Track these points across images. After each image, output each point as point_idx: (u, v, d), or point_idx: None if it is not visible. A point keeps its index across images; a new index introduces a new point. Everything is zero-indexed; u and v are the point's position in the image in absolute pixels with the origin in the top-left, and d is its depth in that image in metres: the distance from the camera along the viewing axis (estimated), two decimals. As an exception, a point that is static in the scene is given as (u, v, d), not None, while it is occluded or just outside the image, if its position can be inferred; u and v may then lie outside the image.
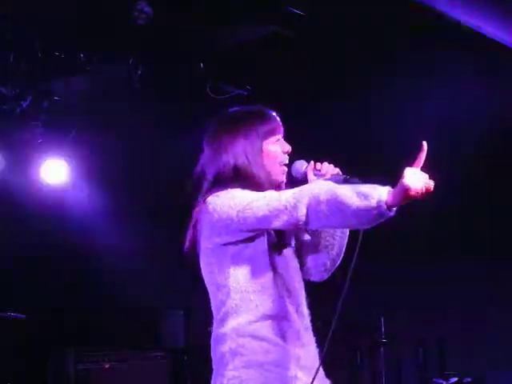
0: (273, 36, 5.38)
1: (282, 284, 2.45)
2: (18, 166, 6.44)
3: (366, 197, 2.13)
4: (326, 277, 2.61)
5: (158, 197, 6.74)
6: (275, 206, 2.26)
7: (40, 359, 6.51)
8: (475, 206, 5.82)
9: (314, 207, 2.19)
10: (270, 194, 2.33)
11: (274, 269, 2.44)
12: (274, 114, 2.62)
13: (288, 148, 2.58)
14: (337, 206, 2.15)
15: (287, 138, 2.65)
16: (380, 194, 2.14)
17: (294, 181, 2.56)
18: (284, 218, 2.25)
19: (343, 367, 6.31)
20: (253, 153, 2.51)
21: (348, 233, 2.57)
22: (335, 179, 2.43)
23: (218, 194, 2.44)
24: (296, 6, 5.00)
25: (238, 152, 2.52)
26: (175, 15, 5.14)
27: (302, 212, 2.21)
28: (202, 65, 5.87)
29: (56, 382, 6.46)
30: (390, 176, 2.17)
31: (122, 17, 4.99)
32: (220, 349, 2.43)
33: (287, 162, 2.58)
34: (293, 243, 2.58)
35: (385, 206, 2.13)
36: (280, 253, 2.48)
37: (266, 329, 2.40)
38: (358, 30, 5.22)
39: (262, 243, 2.44)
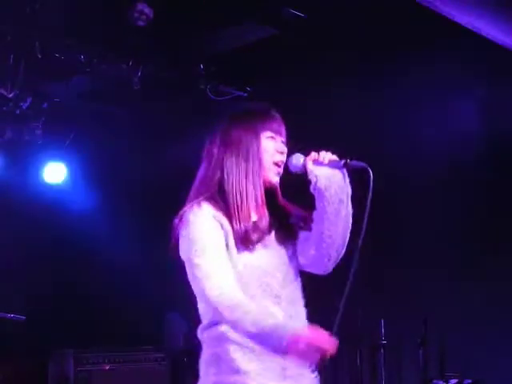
0: (273, 38, 5.39)
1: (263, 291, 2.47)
2: (17, 167, 6.45)
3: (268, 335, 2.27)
4: (330, 268, 2.58)
5: (158, 198, 6.74)
6: (212, 295, 2.38)
7: (40, 361, 6.51)
8: (475, 209, 5.81)
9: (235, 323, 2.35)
10: (218, 281, 2.40)
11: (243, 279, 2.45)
12: (276, 114, 2.63)
13: (282, 149, 2.58)
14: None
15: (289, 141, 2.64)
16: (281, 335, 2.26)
17: (295, 175, 2.57)
18: (210, 307, 2.43)
19: (343, 369, 6.30)
20: (253, 144, 2.54)
21: (351, 222, 2.55)
22: (335, 165, 2.46)
23: (190, 216, 2.46)
24: (296, 7, 5.00)
25: (234, 141, 2.55)
26: (175, 17, 5.14)
27: (225, 316, 2.36)
28: (202, 66, 5.88)
29: (56, 383, 6.46)
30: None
31: (122, 18, 4.99)
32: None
33: (281, 164, 2.57)
34: (278, 247, 2.56)
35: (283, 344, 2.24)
36: (251, 263, 2.47)
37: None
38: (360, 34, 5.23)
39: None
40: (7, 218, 6.31)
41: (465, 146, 5.82)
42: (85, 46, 5.43)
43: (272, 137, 2.57)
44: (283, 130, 2.62)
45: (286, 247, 2.58)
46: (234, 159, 2.54)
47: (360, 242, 2.45)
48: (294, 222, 2.60)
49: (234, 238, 2.46)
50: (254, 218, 2.51)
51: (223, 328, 2.45)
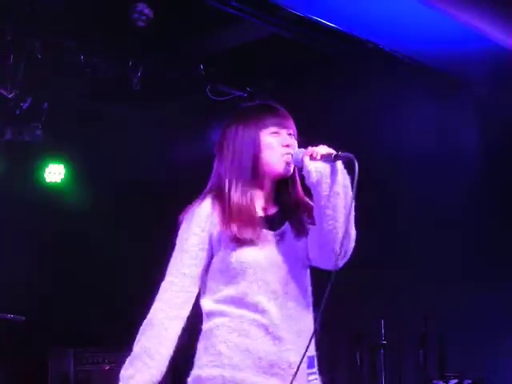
0: (273, 37, 5.39)
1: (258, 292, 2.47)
2: (17, 167, 6.45)
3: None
4: (339, 264, 2.48)
5: (158, 197, 6.74)
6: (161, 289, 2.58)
7: (40, 361, 6.50)
8: (475, 205, 5.82)
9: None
10: (168, 288, 2.57)
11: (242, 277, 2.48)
12: (279, 108, 2.64)
13: (287, 142, 2.57)
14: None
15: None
16: None
17: (299, 169, 2.58)
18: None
19: (343, 369, 6.30)
20: (249, 143, 2.56)
21: (352, 214, 2.48)
22: (327, 159, 2.44)
23: (189, 212, 2.58)
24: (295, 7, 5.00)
25: (236, 142, 2.58)
26: (175, 17, 5.14)
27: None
28: (201, 66, 5.88)
29: (56, 383, 6.46)
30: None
31: (122, 18, 4.99)
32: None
33: (290, 153, 2.56)
34: (285, 242, 2.55)
35: None
36: (250, 259, 2.48)
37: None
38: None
39: (217, 261, 2.55)
40: (7, 218, 6.30)
41: (463, 148, 5.84)
42: (85, 47, 5.43)
43: (275, 132, 2.57)
44: (289, 122, 2.62)
45: (295, 242, 2.56)
46: (229, 158, 2.58)
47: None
48: (304, 216, 2.59)
49: (226, 236, 2.49)
50: (249, 215, 2.52)
51: (213, 322, 2.51)
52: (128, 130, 6.55)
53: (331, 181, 2.43)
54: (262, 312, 2.46)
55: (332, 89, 5.92)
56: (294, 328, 2.50)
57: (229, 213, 2.52)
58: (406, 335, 5.87)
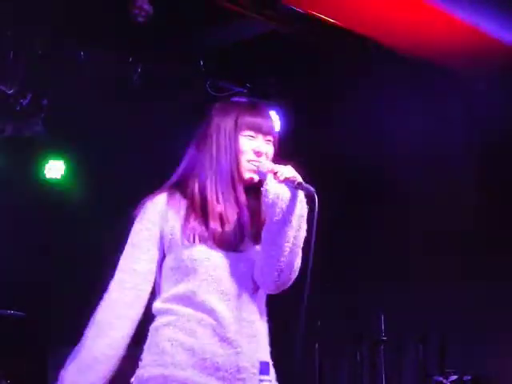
0: (273, 33, 5.40)
1: (213, 290, 2.37)
2: (17, 163, 6.45)
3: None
4: (276, 290, 2.40)
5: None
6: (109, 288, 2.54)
7: (40, 359, 6.49)
8: (474, 205, 5.82)
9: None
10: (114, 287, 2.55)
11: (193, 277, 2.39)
12: (261, 110, 2.53)
13: (260, 149, 2.45)
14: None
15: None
16: None
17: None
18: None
19: (343, 365, 6.30)
20: (228, 145, 2.46)
21: (300, 246, 2.34)
22: (289, 184, 2.31)
23: (143, 206, 2.53)
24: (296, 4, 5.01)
25: (218, 142, 2.47)
26: (175, 12, 5.15)
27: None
28: (201, 63, 5.89)
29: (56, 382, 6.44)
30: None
31: (122, 14, 5.00)
32: None
33: (258, 162, 2.44)
34: (243, 246, 2.43)
35: None
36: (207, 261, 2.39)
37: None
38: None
39: (169, 260, 2.46)
40: (7, 215, 6.30)
41: (463, 148, 5.86)
42: (84, 43, 5.44)
43: (251, 135, 2.46)
44: (269, 126, 2.50)
45: (254, 246, 2.43)
46: (209, 157, 2.47)
47: (309, 271, 2.26)
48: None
49: (181, 233, 2.40)
50: (210, 216, 2.41)
51: (159, 321, 2.43)
52: (128, 126, 6.55)
53: (286, 207, 2.29)
54: (210, 311, 2.35)
55: (332, 86, 5.93)
56: (245, 332, 2.39)
57: (195, 209, 2.43)
58: (406, 331, 5.88)
